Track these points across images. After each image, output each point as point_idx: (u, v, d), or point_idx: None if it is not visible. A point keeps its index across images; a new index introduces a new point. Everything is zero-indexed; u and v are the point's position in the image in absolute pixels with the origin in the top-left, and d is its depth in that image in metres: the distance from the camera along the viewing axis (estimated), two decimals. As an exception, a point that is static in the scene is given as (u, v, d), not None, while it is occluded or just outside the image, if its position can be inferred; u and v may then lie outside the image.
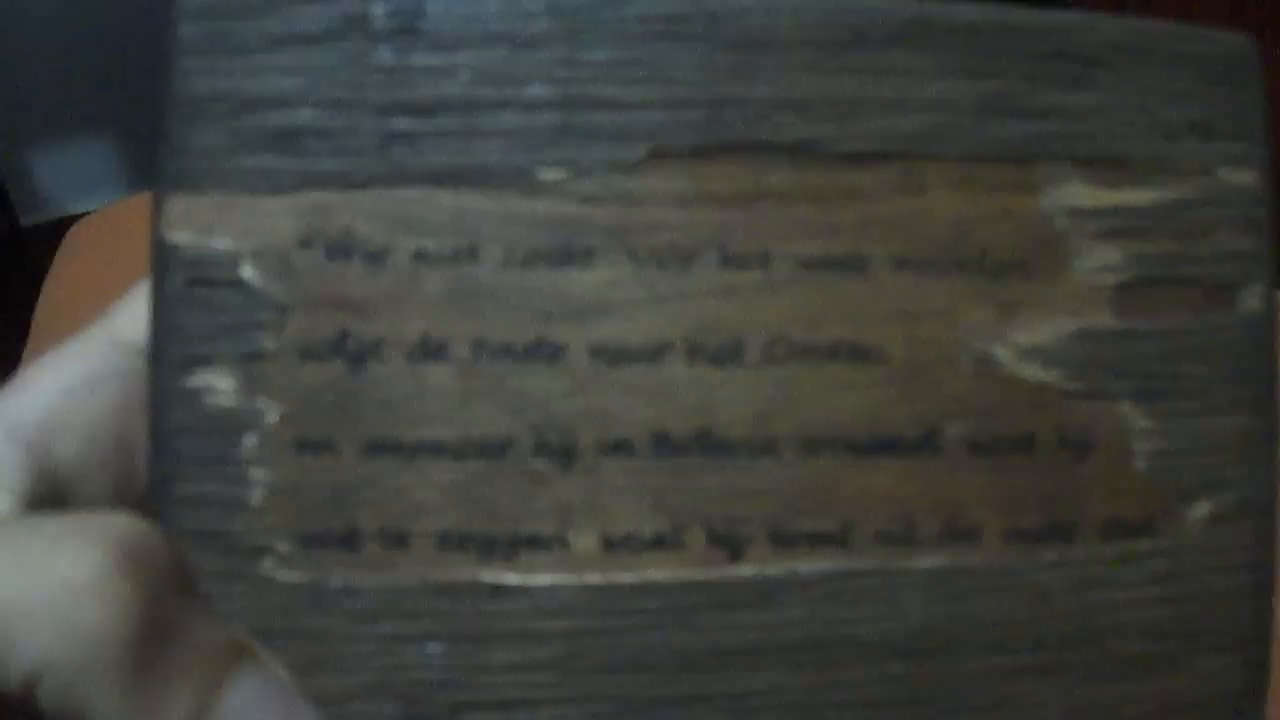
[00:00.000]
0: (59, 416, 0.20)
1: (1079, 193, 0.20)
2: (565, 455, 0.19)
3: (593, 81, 0.19)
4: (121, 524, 0.18)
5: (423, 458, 0.19)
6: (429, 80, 0.19)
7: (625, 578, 0.19)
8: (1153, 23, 0.21)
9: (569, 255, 0.19)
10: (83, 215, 0.73)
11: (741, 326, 0.19)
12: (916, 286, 0.20)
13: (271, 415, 0.19)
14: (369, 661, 0.19)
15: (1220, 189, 0.21)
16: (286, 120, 0.19)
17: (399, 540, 0.19)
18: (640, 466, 0.19)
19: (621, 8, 0.20)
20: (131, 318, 0.20)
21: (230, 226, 0.19)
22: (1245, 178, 0.21)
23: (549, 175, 0.19)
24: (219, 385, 0.19)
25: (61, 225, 0.76)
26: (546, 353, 0.19)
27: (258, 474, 0.19)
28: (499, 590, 0.19)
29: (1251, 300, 0.21)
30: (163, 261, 0.19)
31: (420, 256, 0.19)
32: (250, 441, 0.19)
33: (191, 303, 0.19)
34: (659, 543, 0.19)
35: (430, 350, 0.19)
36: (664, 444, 0.19)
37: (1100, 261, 0.20)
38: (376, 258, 0.19)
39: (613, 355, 0.19)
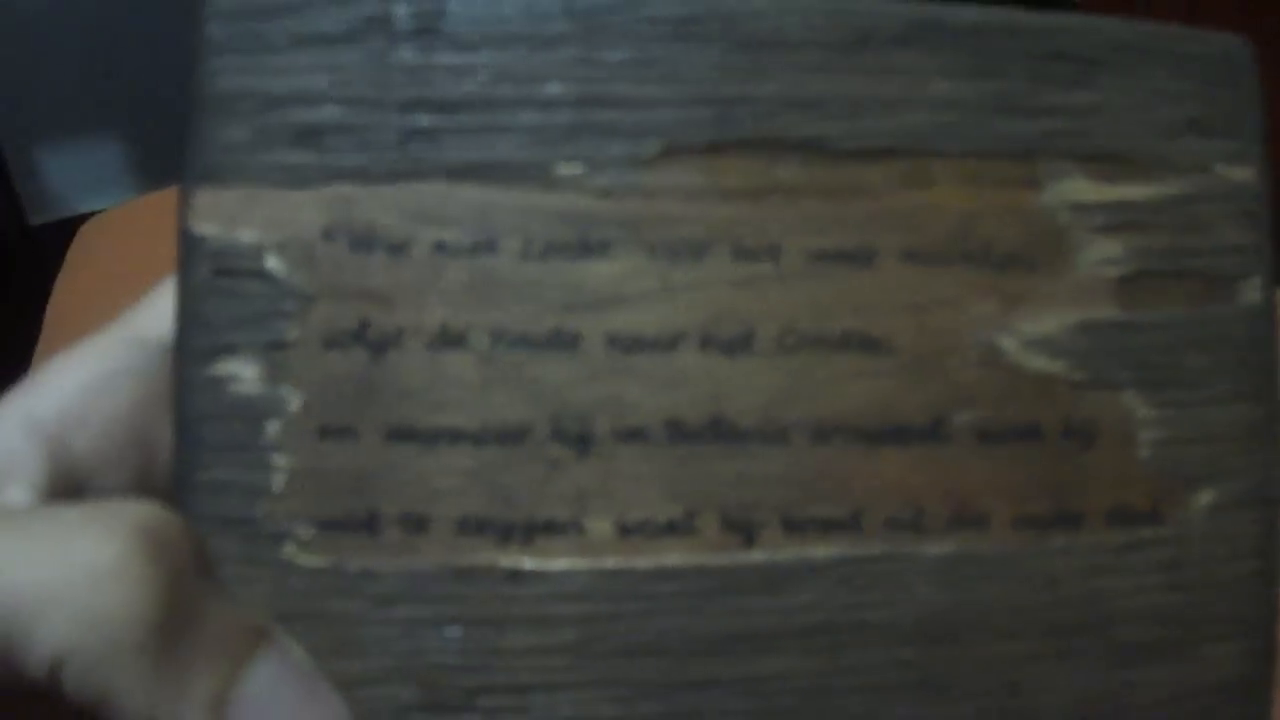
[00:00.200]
0: (77, 412, 0.20)
1: (1081, 188, 0.21)
2: (581, 442, 0.19)
3: (608, 80, 0.20)
4: (142, 510, 0.18)
5: (442, 444, 0.19)
6: (449, 79, 0.20)
7: (640, 563, 0.19)
8: (1152, 24, 0.21)
9: (585, 247, 0.20)
10: (91, 214, 0.73)
11: (753, 317, 0.20)
12: (924, 278, 0.20)
13: (294, 403, 0.19)
14: (388, 645, 0.19)
15: (1218, 185, 0.21)
16: (311, 117, 0.20)
17: (418, 525, 0.19)
18: (655, 453, 0.20)
19: (636, 10, 0.20)
20: (153, 315, 0.21)
21: (255, 219, 0.19)
22: (1242, 174, 0.21)
23: (566, 170, 0.20)
24: (243, 373, 0.19)
25: (70, 224, 0.76)
26: (563, 342, 0.20)
27: (280, 460, 0.19)
28: (516, 575, 0.19)
29: (1251, 293, 0.21)
30: (189, 252, 0.19)
31: (440, 248, 0.20)
32: (273, 428, 0.19)
33: (217, 293, 0.19)
34: (673, 528, 0.19)
35: (450, 339, 0.19)
36: (678, 431, 0.20)
37: (1102, 255, 0.21)
38: (398, 250, 0.19)
39: (628, 344, 0.20)
